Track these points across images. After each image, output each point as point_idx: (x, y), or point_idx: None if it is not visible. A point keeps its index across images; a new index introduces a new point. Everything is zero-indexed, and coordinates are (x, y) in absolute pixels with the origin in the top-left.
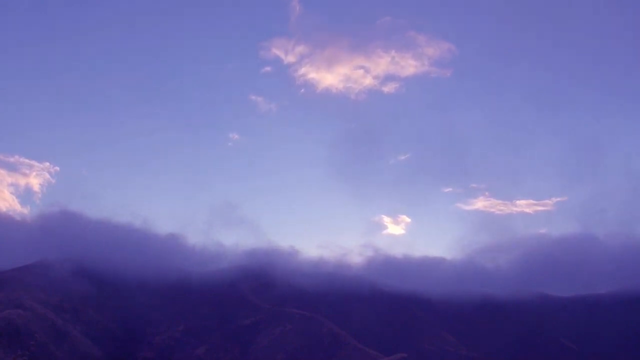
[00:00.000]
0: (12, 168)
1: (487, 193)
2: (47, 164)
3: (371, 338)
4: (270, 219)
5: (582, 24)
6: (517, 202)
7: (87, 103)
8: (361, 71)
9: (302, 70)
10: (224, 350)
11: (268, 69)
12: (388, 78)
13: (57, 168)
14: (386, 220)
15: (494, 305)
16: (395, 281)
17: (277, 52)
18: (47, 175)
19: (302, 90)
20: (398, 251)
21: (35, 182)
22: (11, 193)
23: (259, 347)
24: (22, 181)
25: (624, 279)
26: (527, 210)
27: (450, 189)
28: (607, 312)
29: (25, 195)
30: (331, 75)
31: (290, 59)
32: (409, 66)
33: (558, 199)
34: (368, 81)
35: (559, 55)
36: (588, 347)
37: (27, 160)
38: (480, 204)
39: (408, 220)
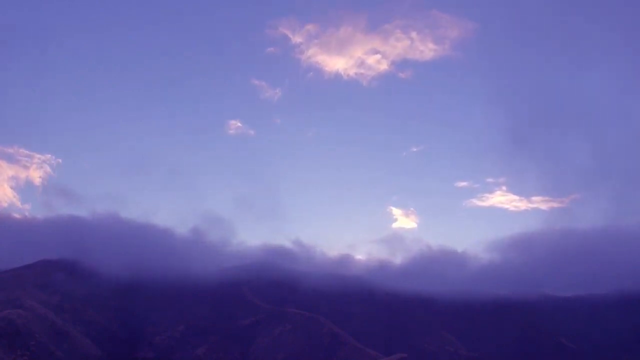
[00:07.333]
0: (11, 159)
1: (504, 188)
2: (49, 155)
3: (371, 338)
4: (270, 216)
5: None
6: (533, 198)
7: (86, 92)
8: (377, 56)
9: (310, 52)
10: (224, 350)
11: (272, 49)
12: (405, 63)
13: (60, 160)
14: (396, 212)
15: (494, 305)
16: (395, 281)
17: (284, 30)
18: (49, 168)
19: (310, 74)
20: (401, 248)
21: (35, 175)
22: (11, 187)
23: (259, 347)
24: (22, 174)
25: (624, 279)
26: (542, 206)
27: (465, 183)
28: (607, 312)
29: (25, 189)
30: (342, 59)
31: (297, 39)
32: (428, 50)
33: (574, 196)
34: (383, 67)
35: (593, 45)
36: (588, 347)
37: (27, 152)
38: (496, 199)
39: (417, 213)
